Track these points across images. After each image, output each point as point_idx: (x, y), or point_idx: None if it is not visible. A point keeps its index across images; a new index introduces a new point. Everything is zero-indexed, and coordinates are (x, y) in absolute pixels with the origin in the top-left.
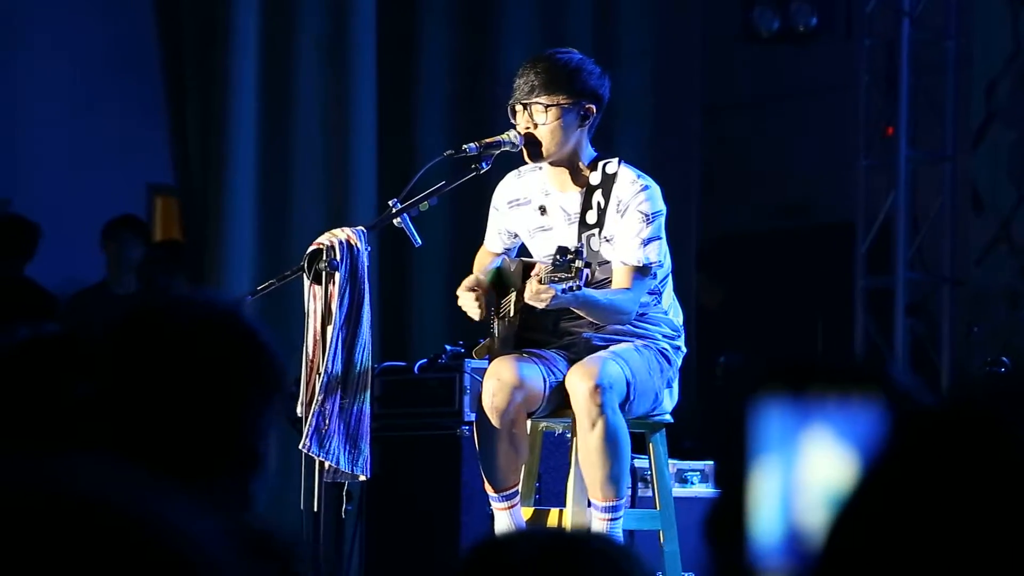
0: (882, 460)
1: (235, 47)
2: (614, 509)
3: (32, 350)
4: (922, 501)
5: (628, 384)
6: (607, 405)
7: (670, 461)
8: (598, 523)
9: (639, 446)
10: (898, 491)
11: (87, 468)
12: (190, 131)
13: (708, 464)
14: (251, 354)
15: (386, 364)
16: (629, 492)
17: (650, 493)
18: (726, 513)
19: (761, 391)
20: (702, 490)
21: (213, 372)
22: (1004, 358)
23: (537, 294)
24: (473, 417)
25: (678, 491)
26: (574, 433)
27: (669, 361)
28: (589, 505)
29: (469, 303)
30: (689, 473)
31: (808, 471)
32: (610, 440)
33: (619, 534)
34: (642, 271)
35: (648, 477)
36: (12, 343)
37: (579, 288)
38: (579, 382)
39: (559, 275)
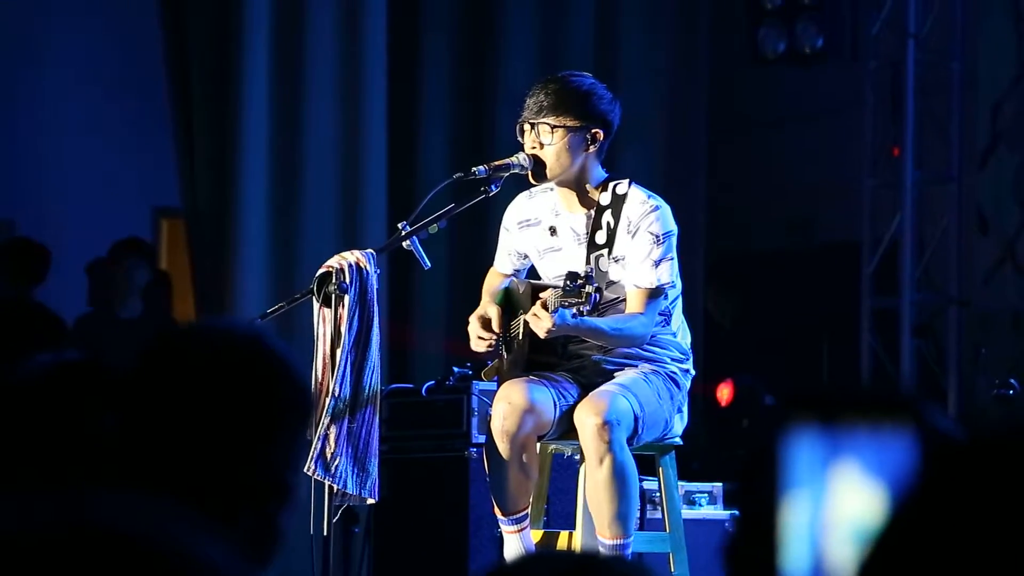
0: (913, 495)
1: (245, 69)
2: (622, 547)
3: (54, 377)
4: (954, 537)
5: (636, 419)
6: (615, 442)
7: (679, 483)
8: None
9: (648, 468)
10: (930, 527)
11: (115, 502)
12: (197, 153)
13: (716, 486)
14: (278, 383)
15: (393, 386)
16: (637, 523)
17: (659, 515)
18: (748, 545)
19: (791, 420)
20: (711, 512)
21: (240, 402)
22: (1012, 380)
23: (537, 322)
24: (481, 439)
25: (687, 513)
26: (583, 457)
27: (678, 385)
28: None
29: (475, 334)
30: (698, 495)
31: (836, 506)
32: (618, 477)
33: None
34: (655, 293)
35: (657, 499)
36: (33, 370)
37: (587, 312)
38: (587, 418)
39: (569, 300)
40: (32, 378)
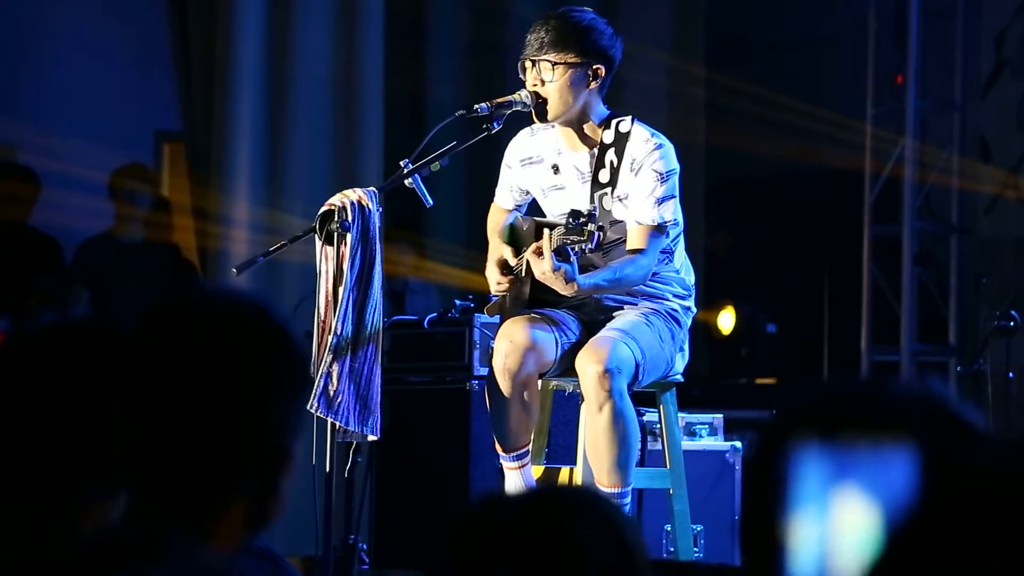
0: (920, 515)
1: None
2: (620, 496)
3: (60, 336)
4: (959, 558)
5: (637, 365)
6: (615, 390)
7: (679, 415)
8: None
9: (650, 401)
10: (934, 546)
11: None
12: (195, 78)
13: (716, 416)
14: (279, 350)
15: (396, 318)
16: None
17: (659, 446)
18: (758, 551)
19: (793, 438)
20: (711, 443)
21: (242, 368)
22: (1013, 312)
23: (537, 261)
24: (482, 372)
25: (686, 444)
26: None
27: (679, 323)
28: None
29: (495, 279)
30: (698, 426)
31: (839, 524)
32: (617, 425)
33: None
34: (657, 230)
35: (657, 430)
36: (39, 329)
37: (590, 251)
38: (588, 365)
39: (571, 238)
40: (38, 337)
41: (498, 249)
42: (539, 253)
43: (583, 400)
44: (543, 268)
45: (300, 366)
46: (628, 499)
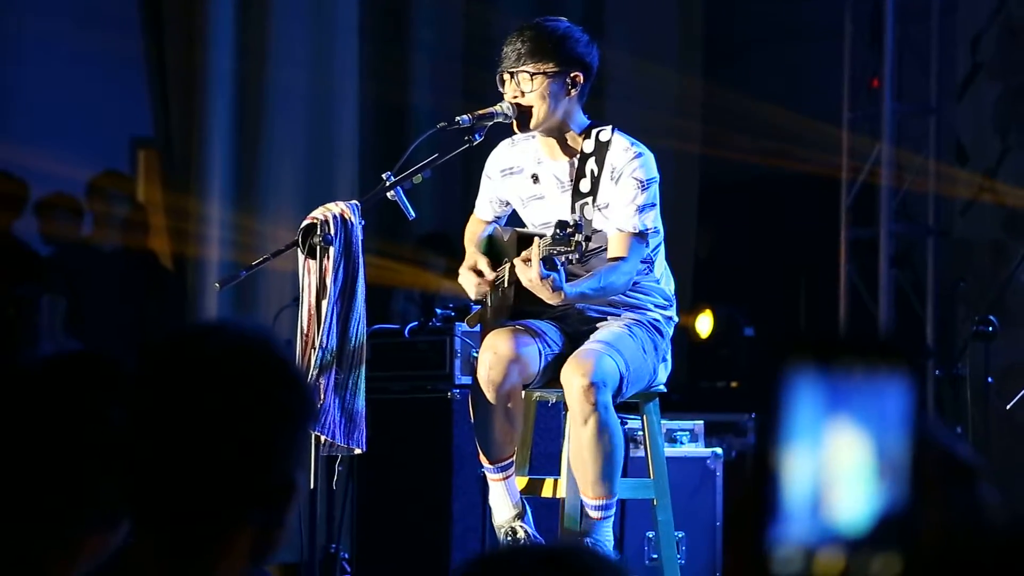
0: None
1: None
2: (605, 508)
3: (60, 368)
4: None
5: (622, 377)
6: (600, 403)
7: (660, 422)
8: (589, 516)
9: (632, 408)
10: None
11: None
12: (170, 84)
13: (697, 423)
14: (284, 385)
15: (377, 327)
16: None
17: (642, 453)
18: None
19: (789, 363)
20: (692, 449)
21: (249, 405)
22: (991, 317)
23: (525, 270)
24: (464, 380)
25: (668, 451)
26: (568, 407)
27: (661, 333)
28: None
29: (469, 282)
30: (679, 433)
31: (832, 457)
32: (602, 438)
33: (609, 535)
34: (639, 237)
35: (639, 438)
36: (35, 360)
37: (576, 261)
38: (573, 378)
39: (558, 248)
40: (39, 369)
41: (473, 256)
42: (527, 261)
43: (567, 410)
44: (530, 276)
45: (305, 399)
46: (613, 511)
